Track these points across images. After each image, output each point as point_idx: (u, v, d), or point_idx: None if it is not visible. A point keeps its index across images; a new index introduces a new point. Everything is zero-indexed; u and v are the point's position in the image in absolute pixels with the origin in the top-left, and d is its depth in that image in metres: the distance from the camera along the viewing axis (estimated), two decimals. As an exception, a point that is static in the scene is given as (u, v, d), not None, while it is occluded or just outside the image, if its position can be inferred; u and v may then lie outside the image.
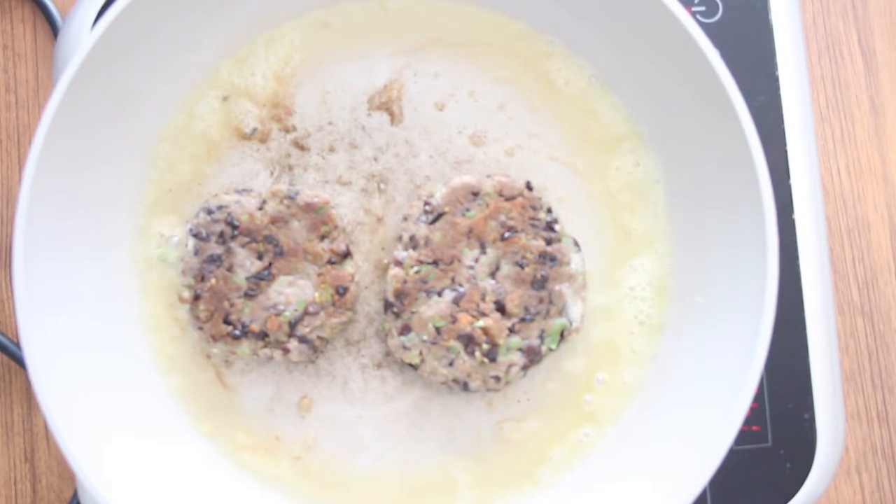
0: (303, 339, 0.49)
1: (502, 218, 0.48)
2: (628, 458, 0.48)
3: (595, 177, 0.52)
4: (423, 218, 0.49)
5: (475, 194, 0.49)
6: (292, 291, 0.49)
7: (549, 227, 0.48)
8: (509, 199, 0.49)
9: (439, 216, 0.48)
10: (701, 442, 0.44)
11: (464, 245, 0.48)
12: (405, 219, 0.50)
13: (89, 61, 0.45)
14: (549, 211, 0.49)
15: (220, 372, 0.51)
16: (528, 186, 0.49)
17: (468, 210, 0.48)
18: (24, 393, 0.60)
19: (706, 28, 0.50)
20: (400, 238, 0.49)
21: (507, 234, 0.48)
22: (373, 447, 0.51)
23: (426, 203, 0.49)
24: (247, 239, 0.49)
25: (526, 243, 0.48)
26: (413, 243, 0.48)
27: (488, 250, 0.48)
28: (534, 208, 0.49)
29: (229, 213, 0.49)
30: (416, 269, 0.48)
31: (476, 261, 0.48)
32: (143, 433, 0.48)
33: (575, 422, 0.50)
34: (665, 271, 0.51)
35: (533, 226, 0.48)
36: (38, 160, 0.45)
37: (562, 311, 0.49)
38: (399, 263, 0.49)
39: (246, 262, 0.49)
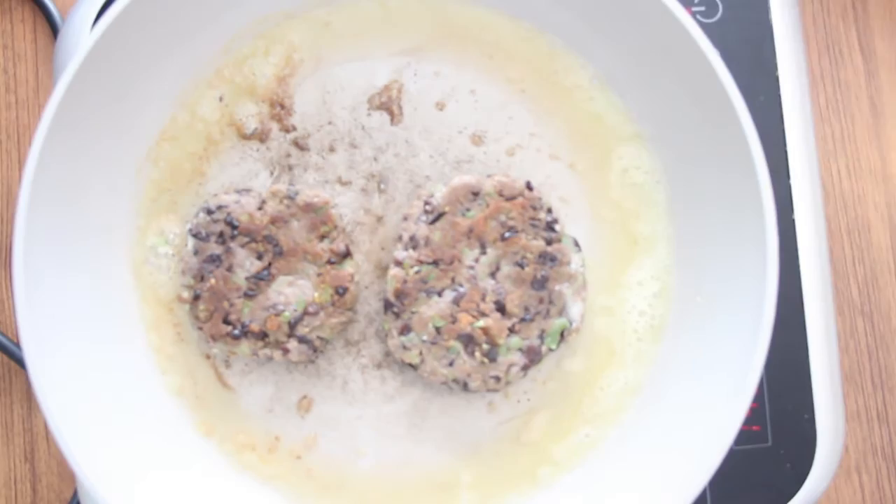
0: (302, 339, 0.49)
1: (502, 218, 0.48)
2: (629, 458, 0.48)
3: (595, 177, 0.52)
4: (423, 218, 0.49)
5: (475, 194, 0.49)
6: (292, 291, 0.49)
7: (550, 227, 0.48)
8: (509, 199, 0.49)
9: (439, 216, 0.48)
10: (701, 442, 0.44)
11: (464, 245, 0.48)
12: (405, 219, 0.49)
13: (89, 61, 0.45)
14: (550, 211, 0.49)
15: (220, 372, 0.51)
16: (529, 186, 0.49)
17: (468, 210, 0.48)
18: (24, 393, 0.60)
19: (706, 28, 0.50)
20: (400, 238, 0.49)
21: (507, 234, 0.48)
22: (373, 447, 0.51)
23: (426, 203, 0.49)
24: (246, 239, 0.49)
25: (526, 243, 0.48)
26: (413, 243, 0.48)
27: (488, 250, 0.48)
28: (534, 208, 0.49)
29: (229, 213, 0.49)
30: (416, 269, 0.48)
31: (476, 261, 0.48)
32: (143, 433, 0.48)
33: (575, 422, 0.50)
34: (665, 271, 0.51)
35: (533, 226, 0.48)
36: (38, 160, 0.45)
37: (562, 311, 0.49)
38: (399, 263, 0.49)
39: (245, 262, 0.49)
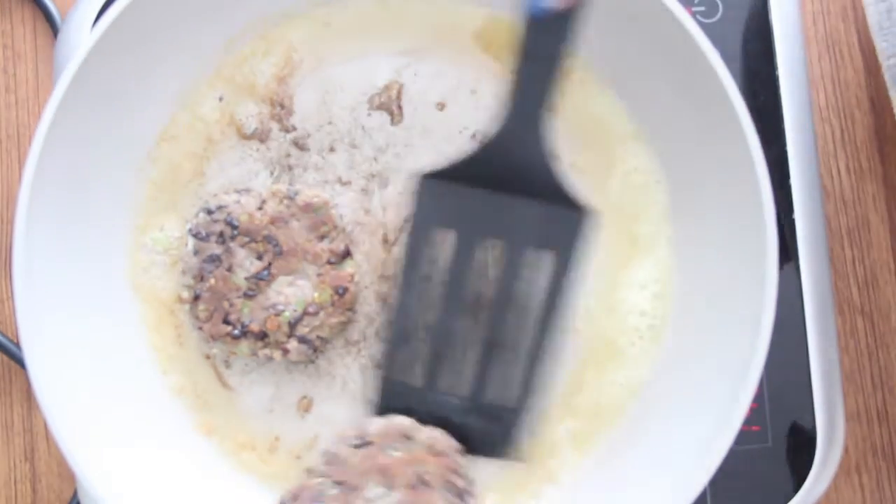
0: (302, 340, 0.49)
1: (420, 469, 0.43)
2: (628, 458, 0.48)
3: (595, 177, 0.52)
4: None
5: (408, 438, 0.44)
6: (292, 291, 0.49)
7: (461, 496, 0.43)
8: (436, 454, 0.43)
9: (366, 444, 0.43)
10: (701, 442, 0.44)
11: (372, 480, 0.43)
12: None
13: (89, 61, 0.45)
14: (470, 482, 0.44)
15: (220, 372, 0.51)
16: (460, 451, 0.44)
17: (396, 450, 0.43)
18: (24, 393, 0.60)
19: (706, 28, 0.50)
20: (400, 238, 0.49)
21: (418, 486, 0.42)
22: (373, 447, 0.50)
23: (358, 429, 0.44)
24: (246, 239, 0.49)
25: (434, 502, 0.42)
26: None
27: (393, 493, 0.42)
28: (455, 473, 0.43)
29: (229, 213, 0.49)
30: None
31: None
32: (143, 433, 0.48)
33: (576, 422, 0.50)
34: (665, 272, 0.51)
35: (447, 490, 0.43)
36: (38, 160, 0.45)
37: (562, 312, 0.48)
38: (399, 264, 0.48)
39: (245, 262, 0.49)
